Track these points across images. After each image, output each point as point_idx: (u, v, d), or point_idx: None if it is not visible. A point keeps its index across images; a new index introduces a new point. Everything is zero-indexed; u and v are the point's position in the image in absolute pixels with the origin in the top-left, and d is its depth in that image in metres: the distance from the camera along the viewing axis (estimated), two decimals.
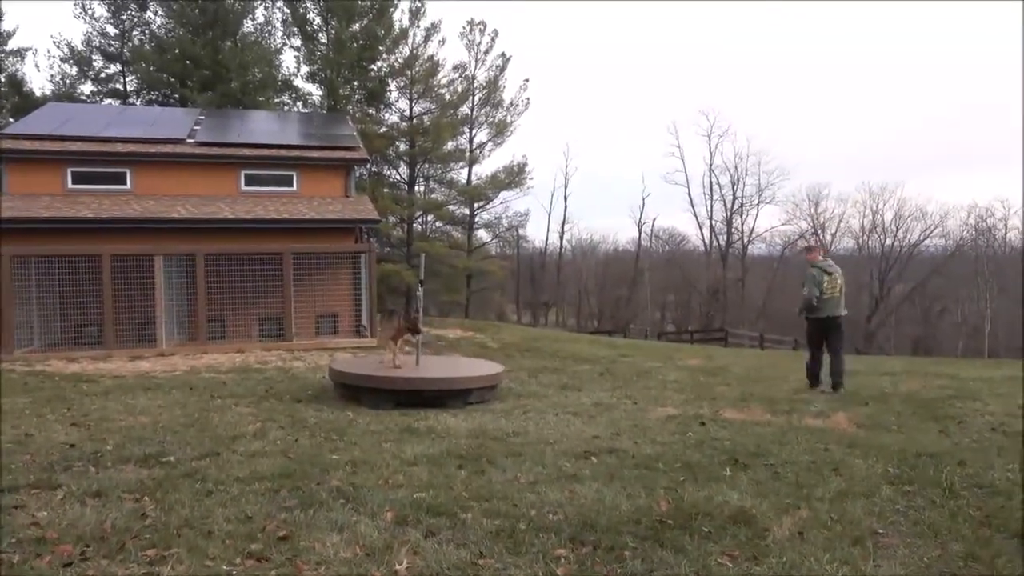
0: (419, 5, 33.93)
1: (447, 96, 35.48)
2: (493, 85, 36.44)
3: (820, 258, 9.05)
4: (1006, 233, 47.26)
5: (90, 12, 30.78)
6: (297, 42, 32.96)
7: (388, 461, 5.10)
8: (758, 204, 49.35)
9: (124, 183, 15.48)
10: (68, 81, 30.91)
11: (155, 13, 31.11)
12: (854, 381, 9.93)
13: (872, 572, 3.32)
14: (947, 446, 5.78)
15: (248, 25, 32.10)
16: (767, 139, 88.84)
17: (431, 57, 34.66)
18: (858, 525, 3.90)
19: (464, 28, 36.50)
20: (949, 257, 46.10)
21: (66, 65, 30.85)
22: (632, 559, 3.41)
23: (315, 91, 33.25)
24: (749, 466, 5.06)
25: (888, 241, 47.69)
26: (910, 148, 74.55)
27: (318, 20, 32.89)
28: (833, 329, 8.82)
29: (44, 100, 27.19)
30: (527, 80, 38.50)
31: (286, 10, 32.60)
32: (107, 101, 30.60)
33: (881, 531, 3.84)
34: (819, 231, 49.41)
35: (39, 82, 49.08)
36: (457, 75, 35.93)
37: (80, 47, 30.82)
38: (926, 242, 47.14)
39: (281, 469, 4.84)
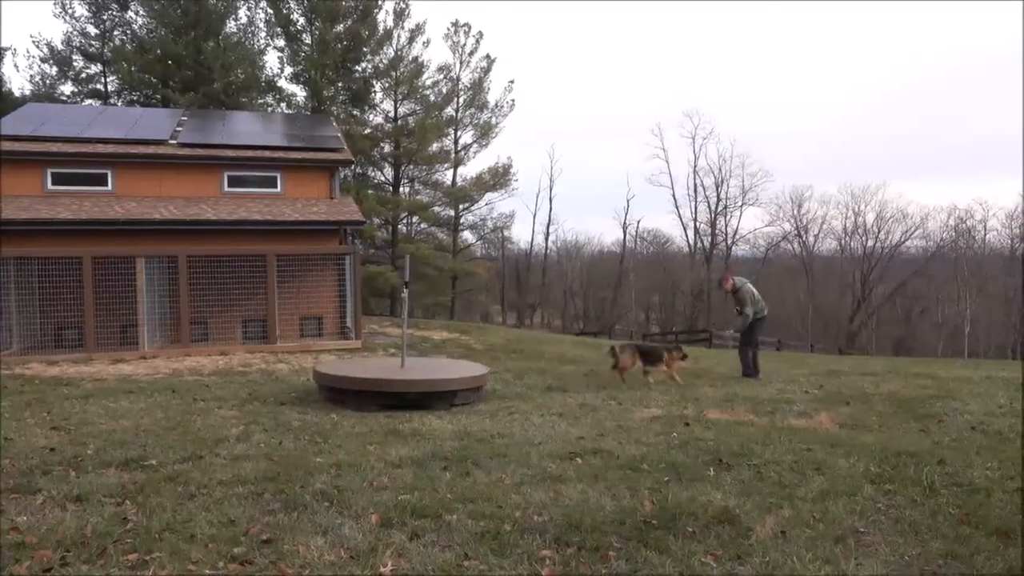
0: (403, 6, 33.92)
1: (432, 97, 35.47)
2: (478, 87, 36.48)
3: (732, 282, 10.71)
4: (985, 234, 47.96)
5: (70, 12, 30.48)
6: (281, 43, 32.83)
7: (373, 463, 5.08)
8: (742, 206, 49.80)
9: (105, 184, 15.32)
10: (48, 81, 30.60)
11: (136, 13, 30.86)
12: (836, 381, 10.04)
13: (854, 571, 3.35)
14: (927, 445, 5.84)
15: (231, 25, 31.94)
16: (750, 141, 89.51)
17: (416, 58, 34.65)
18: (840, 524, 3.94)
19: (449, 30, 36.54)
20: (930, 258, 46.65)
21: (46, 65, 30.56)
22: (617, 559, 3.42)
23: (299, 92, 33.14)
24: (733, 466, 5.09)
25: (870, 242, 48.25)
26: (892, 150, 75.39)
27: (302, 21, 32.77)
28: (763, 324, 10.68)
29: (23, 100, 26.88)
30: (512, 82, 38.55)
31: (269, 10, 32.44)
32: (88, 102, 30.29)
33: (863, 530, 3.87)
34: (802, 233, 49.87)
35: (18, 82, 48.45)
36: (442, 76, 35.97)
37: (60, 47, 30.53)
38: (907, 243, 47.81)
39: (265, 472, 4.81)
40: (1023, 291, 39.89)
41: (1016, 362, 20.44)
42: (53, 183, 15.01)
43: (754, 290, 10.58)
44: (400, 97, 34.78)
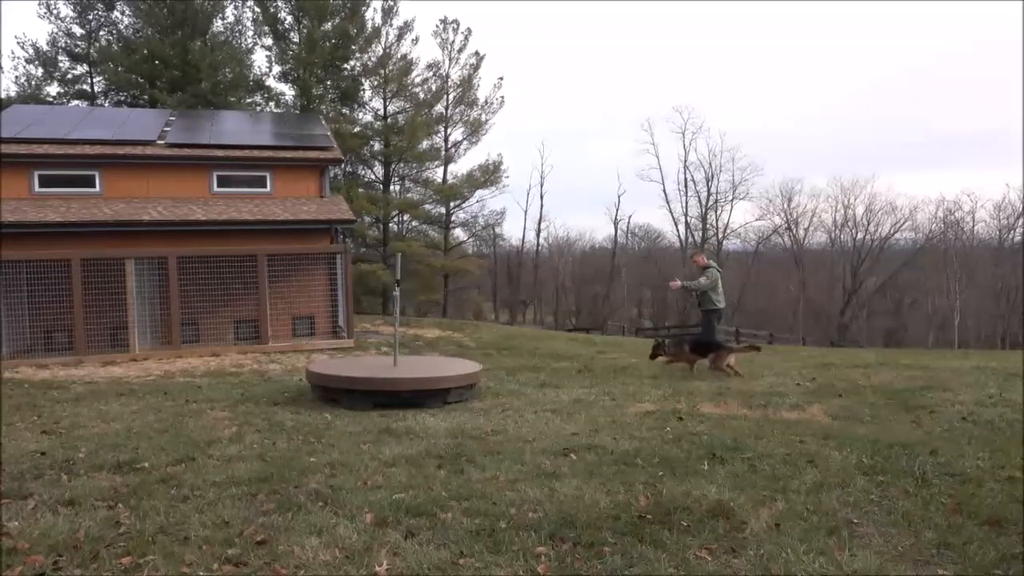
0: (391, 4, 33.81)
1: (421, 95, 35.41)
2: (467, 84, 36.41)
3: (706, 260, 10.64)
4: (974, 226, 48.29)
5: (55, 12, 30.27)
6: (268, 41, 32.70)
7: (367, 462, 5.07)
8: (732, 200, 49.97)
9: (93, 186, 15.21)
10: (33, 82, 30.37)
11: (122, 13, 30.66)
12: (828, 374, 10.07)
13: (847, 562, 3.36)
14: (919, 436, 5.87)
15: (218, 24, 31.76)
16: (740, 135, 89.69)
17: (404, 56, 34.59)
18: (833, 516, 3.95)
19: (438, 27, 36.46)
20: (919, 250, 46.92)
21: (31, 66, 30.35)
22: (612, 555, 3.43)
23: (287, 91, 33.04)
24: (726, 460, 5.10)
25: (860, 235, 48.51)
26: (881, 142, 75.72)
27: (289, 19, 32.63)
28: (719, 317, 10.70)
29: (9, 102, 26.61)
30: (501, 78, 38.54)
31: (257, 9, 32.28)
32: (74, 102, 30.09)
33: (856, 521, 3.89)
34: (792, 226, 50.07)
35: (3, 84, 48.00)
36: (431, 74, 35.89)
37: (45, 48, 30.32)
38: (896, 235, 48.10)
39: (258, 473, 4.79)
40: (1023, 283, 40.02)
41: (1006, 352, 20.59)
42: (40, 185, 14.89)
43: (720, 279, 10.61)
44: (389, 95, 34.70)
